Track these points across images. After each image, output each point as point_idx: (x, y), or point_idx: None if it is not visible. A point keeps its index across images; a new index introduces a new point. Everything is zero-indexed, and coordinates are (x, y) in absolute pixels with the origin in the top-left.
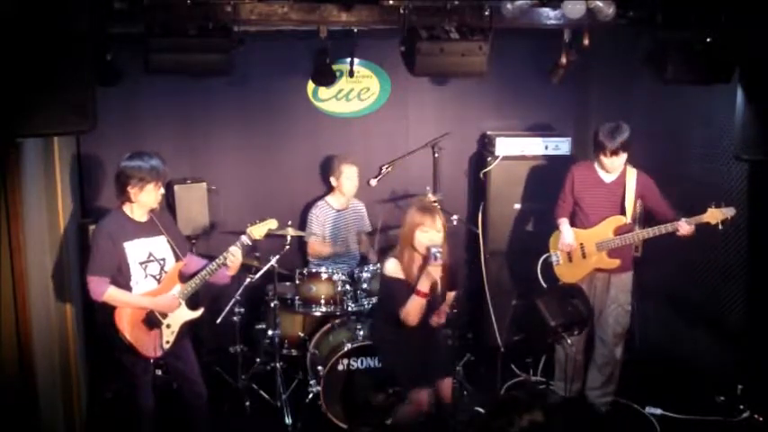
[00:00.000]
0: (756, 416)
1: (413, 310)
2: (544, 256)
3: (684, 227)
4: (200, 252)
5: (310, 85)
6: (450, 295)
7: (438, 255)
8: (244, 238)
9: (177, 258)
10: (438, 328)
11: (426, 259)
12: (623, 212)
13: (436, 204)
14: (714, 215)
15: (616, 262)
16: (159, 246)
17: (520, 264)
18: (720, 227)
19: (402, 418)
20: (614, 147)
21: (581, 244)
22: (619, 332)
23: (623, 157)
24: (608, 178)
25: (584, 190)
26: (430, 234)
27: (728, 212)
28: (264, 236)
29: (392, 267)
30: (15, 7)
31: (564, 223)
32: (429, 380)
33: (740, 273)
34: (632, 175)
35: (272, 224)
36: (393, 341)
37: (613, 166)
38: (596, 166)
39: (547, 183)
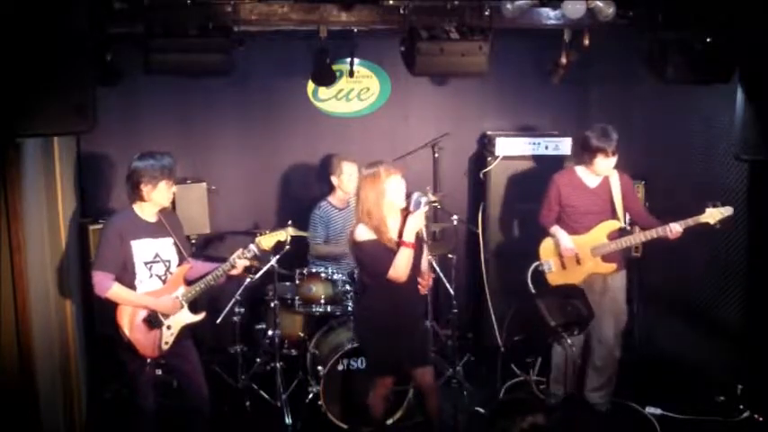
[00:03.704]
0: (756, 416)
1: (401, 263)
2: (535, 265)
3: (676, 229)
4: (199, 253)
5: (310, 85)
6: (425, 260)
7: (422, 199)
8: (252, 247)
9: (182, 261)
10: (420, 312)
11: (408, 209)
12: (614, 215)
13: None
14: (712, 215)
15: (612, 266)
16: (166, 247)
17: (520, 264)
18: (718, 226)
19: (374, 404)
20: (615, 146)
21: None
22: (618, 332)
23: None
24: (592, 183)
25: (571, 197)
26: (400, 185)
27: (726, 212)
28: (273, 246)
29: (363, 232)
30: (15, 7)
31: (559, 230)
32: (401, 367)
33: (740, 272)
34: (615, 175)
35: (281, 236)
36: (372, 317)
37: (609, 167)
38: (579, 171)
39: (547, 183)
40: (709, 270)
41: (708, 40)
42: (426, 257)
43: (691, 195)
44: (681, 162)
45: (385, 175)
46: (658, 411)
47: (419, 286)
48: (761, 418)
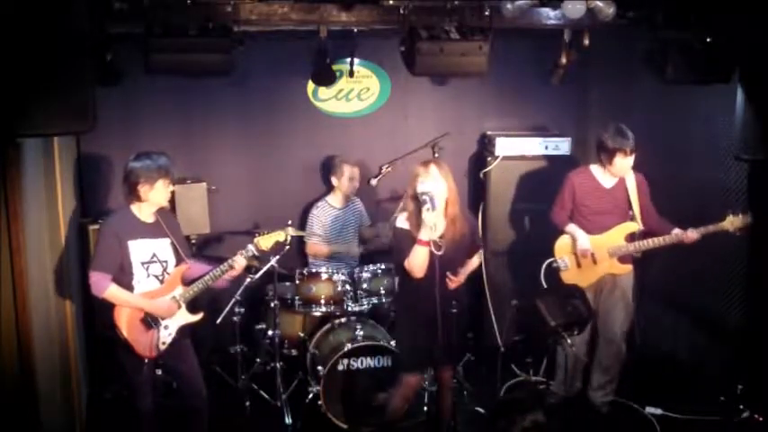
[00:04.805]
0: (756, 416)
1: (415, 259)
2: (548, 261)
3: (693, 236)
4: (199, 253)
5: (310, 85)
6: (473, 260)
7: (427, 200)
8: (250, 248)
9: (179, 261)
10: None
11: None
12: (630, 216)
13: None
14: (732, 222)
15: (628, 267)
16: (163, 247)
17: (520, 264)
18: (738, 234)
19: (394, 403)
20: (633, 145)
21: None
22: (626, 329)
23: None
24: (608, 183)
25: (586, 196)
26: (425, 184)
27: (746, 220)
28: (272, 247)
29: (402, 220)
30: (15, 7)
31: (577, 230)
32: (429, 363)
33: (740, 272)
34: (630, 175)
35: (279, 236)
36: (398, 312)
37: (628, 167)
38: (594, 171)
39: (547, 183)
40: (708, 270)
41: (708, 40)
42: (479, 258)
43: (690, 195)
44: (681, 162)
45: (423, 173)
46: (658, 411)
47: (448, 282)
48: (761, 418)
